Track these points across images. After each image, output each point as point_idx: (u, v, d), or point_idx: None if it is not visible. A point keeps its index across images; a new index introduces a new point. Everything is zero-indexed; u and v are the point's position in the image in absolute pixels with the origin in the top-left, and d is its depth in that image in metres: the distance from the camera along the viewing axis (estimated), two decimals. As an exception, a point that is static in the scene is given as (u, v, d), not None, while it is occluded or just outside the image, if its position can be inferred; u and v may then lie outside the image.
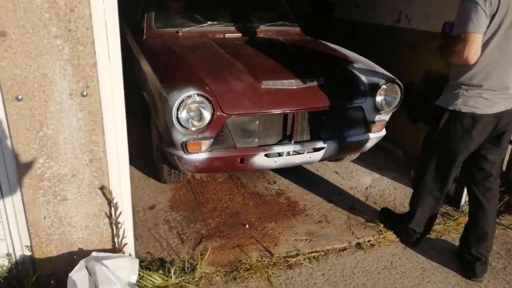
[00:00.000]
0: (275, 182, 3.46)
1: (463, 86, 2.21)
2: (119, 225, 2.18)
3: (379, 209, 3.09)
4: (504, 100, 2.21)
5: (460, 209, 3.14)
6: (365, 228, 2.91)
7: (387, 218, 2.95)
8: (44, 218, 2.08)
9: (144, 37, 3.61)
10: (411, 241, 2.71)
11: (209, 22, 3.67)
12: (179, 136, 2.67)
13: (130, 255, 2.28)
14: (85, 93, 1.92)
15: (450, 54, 2.16)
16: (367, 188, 3.45)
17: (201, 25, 3.66)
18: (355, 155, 3.74)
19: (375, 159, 3.95)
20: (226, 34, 3.68)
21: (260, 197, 3.24)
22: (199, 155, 2.73)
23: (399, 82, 3.10)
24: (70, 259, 2.17)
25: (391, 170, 3.76)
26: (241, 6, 4.07)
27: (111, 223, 2.19)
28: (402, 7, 3.92)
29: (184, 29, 3.60)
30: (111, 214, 2.16)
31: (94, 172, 2.07)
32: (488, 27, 2.06)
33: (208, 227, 2.83)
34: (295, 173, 3.60)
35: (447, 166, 2.42)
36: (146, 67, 3.12)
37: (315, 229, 2.88)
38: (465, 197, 3.13)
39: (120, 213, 2.16)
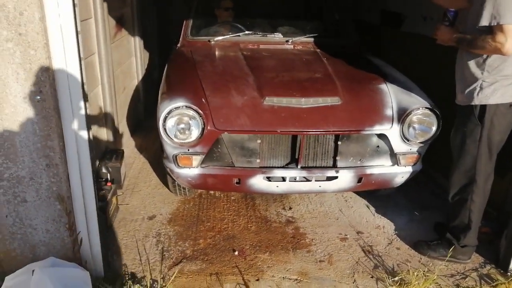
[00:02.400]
0: (290, 208, 3.14)
1: (498, 78, 2.19)
2: (75, 234, 2.12)
3: (401, 257, 2.59)
4: None
5: (509, 273, 2.47)
6: (372, 277, 2.45)
7: (427, 248, 2.65)
8: (6, 216, 2.10)
9: (178, 45, 3.58)
10: (469, 258, 2.56)
11: (241, 33, 3.49)
12: (169, 148, 2.55)
13: (85, 263, 2.19)
14: (38, 98, 1.89)
15: (485, 45, 2.10)
16: (396, 229, 2.93)
17: (234, 35, 3.50)
18: (393, 189, 3.22)
19: (422, 196, 3.37)
20: (261, 45, 3.47)
21: (267, 222, 2.95)
22: (191, 170, 2.57)
23: (435, 108, 2.57)
24: (34, 261, 2.17)
25: (437, 212, 3.14)
26: (282, 16, 3.83)
27: (70, 230, 2.13)
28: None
29: (216, 38, 3.48)
30: (69, 222, 2.11)
31: (52, 177, 2.03)
32: None
33: (196, 248, 2.65)
34: (317, 201, 3.23)
35: (493, 160, 2.38)
36: (164, 75, 3.07)
37: (311, 269, 2.51)
38: (516, 259, 2.47)
39: (74, 221, 2.09)
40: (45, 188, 2.05)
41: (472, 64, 2.25)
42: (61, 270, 2.01)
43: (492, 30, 2.06)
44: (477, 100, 2.26)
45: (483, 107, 2.25)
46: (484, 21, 2.06)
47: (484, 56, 2.18)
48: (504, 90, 2.21)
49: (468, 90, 2.29)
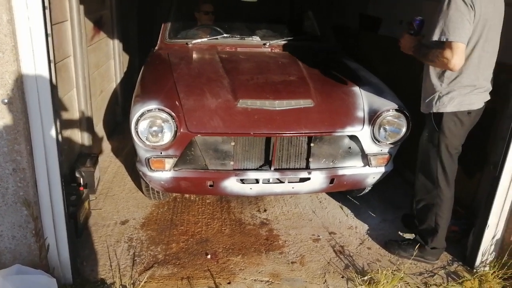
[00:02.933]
0: (265, 210, 3.16)
1: (456, 88, 2.30)
2: (42, 240, 2.09)
3: (372, 257, 2.63)
4: (485, 95, 2.38)
5: (475, 270, 2.54)
6: (342, 277, 2.48)
7: (398, 247, 2.70)
8: (-28, 221, 2.07)
9: (156, 48, 3.57)
10: (437, 259, 2.61)
11: (219, 36, 3.51)
12: (142, 151, 2.55)
13: (53, 270, 2.17)
14: (5, 101, 1.87)
15: (434, 59, 2.23)
16: (368, 230, 2.98)
17: (212, 38, 3.51)
18: (366, 189, 3.27)
19: (395, 196, 3.43)
20: (238, 48, 3.49)
21: (241, 225, 2.97)
22: (164, 173, 2.57)
23: (405, 110, 2.63)
24: (1, 268, 2.13)
25: (408, 211, 3.20)
26: (260, 19, 3.85)
27: (36, 236, 2.11)
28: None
29: (193, 41, 3.49)
30: (35, 227, 2.08)
31: (18, 182, 2.01)
32: (473, 34, 2.16)
33: (168, 252, 2.64)
34: (292, 203, 3.26)
35: (454, 163, 2.47)
36: (139, 78, 3.06)
37: (283, 271, 2.53)
38: (481, 256, 2.53)
39: (41, 227, 2.07)
40: (11, 193, 2.03)
41: (433, 75, 2.34)
42: (26, 277, 1.99)
43: (441, 46, 2.14)
44: (435, 108, 2.35)
45: (441, 115, 2.34)
46: (435, 36, 2.15)
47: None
48: (461, 99, 2.30)
49: (428, 99, 2.39)
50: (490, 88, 2.38)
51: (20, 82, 1.88)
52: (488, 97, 2.39)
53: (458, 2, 2.08)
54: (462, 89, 2.29)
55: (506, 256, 2.44)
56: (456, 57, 2.10)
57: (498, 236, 2.51)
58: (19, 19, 1.82)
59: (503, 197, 2.42)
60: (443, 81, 2.31)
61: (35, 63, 1.89)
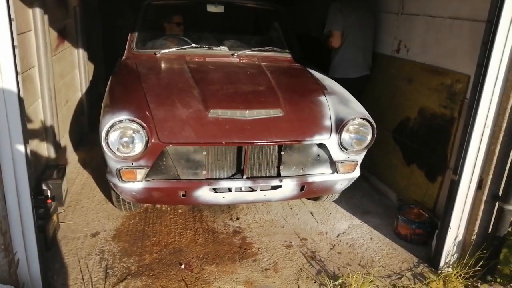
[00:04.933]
0: (238, 219, 3.19)
1: (337, 61, 3.89)
2: (11, 255, 2.03)
3: (342, 261, 2.71)
4: (360, 68, 3.87)
5: (439, 271, 2.66)
6: (315, 282, 2.54)
7: None
8: None
9: (123, 58, 3.54)
10: None
11: (187, 46, 3.53)
12: (112, 162, 2.52)
13: (23, 285, 2.11)
14: (-29, 114, 1.82)
15: (327, 43, 3.89)
16: (338, 235, 3.06)
17: (180, 48, 3.53)
18: (335, 195, 3.37)
19: (362, 202, 3.55)
20: (207, 58, 3.52)
21: (214, 234, 2.98)
22: (135, 184, 2.55)
23: (370, 119, 2.74)
24: (-34, 285, 2.06)
25: (376, 216, 3.33)
26: (228, 30, 3.91)
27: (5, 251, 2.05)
28: (401, 36, 3.54)
29: (161, 51, 3.49)
30: (4, 242, 2.02)
31: (-15, 196, 1.95)
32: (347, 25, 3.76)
33: (141, 263, 2.62)
34: (264, 211, 3.31)
35: None
36: (107, 88, 3.03)
37: (257, 278, 2.56)
38: (445, 257, 2.66)
39: (10, 242, 2.01)
40: (-22, 208, 1.96)
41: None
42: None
43: None
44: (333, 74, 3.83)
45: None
46: (326, 29, 3.85)
47: None
48: (342, 68, 3.87)
49: None
50: None
51: (-14, 95, 1.83)
52: None
53: None
54: (342, 62, 3.93)
55: (467, 256, 2.57)
56: (334, 40, 3.80)
57: (460, 237, 2.65)
58: (-16, 30, 1.78)
59: (463, 201, 2.56)
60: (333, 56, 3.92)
61: (1, 75, 1.86)
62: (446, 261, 2.67)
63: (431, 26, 3.15)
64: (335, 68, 3.89)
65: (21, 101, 1.95)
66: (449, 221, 2.59)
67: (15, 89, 1.90)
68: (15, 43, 1.89)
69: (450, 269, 2.64)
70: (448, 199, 2.60)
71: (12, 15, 1.86)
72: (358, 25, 3.77)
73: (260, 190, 2.72)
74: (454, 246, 2.66)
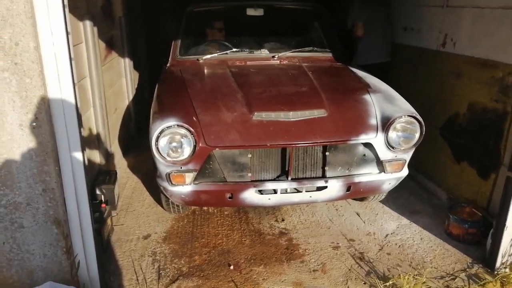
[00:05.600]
0: (283, 220, 3.20)
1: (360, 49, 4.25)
2: (72, 257, 2.15)
3: (392, 262, 2.66)
4: (381, 55, 4.26)
5: (496, 272, 2.55)
6: (365, 283, 2.52)
7: None
8: (4, 243, 2.13)
9: (168, 65, 3.66)
10: None
11: (229, 51, 3.59)
12: (162, 167, 2.61)
13: (83, 286, 2.23)
14: (34, 124, 1.95)
15: (352, 34, 4.22)
16: (387, 235, 3.01)
17: (222, 53, 3.60)
18: (381, 195, 3.31)
19: (410, 201, 3.46)
20: (248, 62, 3.57)
21: (260, 235, 3.01)
22: (184, 187, 2.63)
23: (417, 116, 2.67)
24: (32, 286, 2.20)
25: (425, 216, 3.24)
26: (268, 32, 3.94)
27: (67, 254, 2.17)
28: (447, 29, 3.43)
29: (204, 57, 3.57)
30: (66, 245, 2.15)
31: (48, 202, 2.08)
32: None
33: (192, 264, 2.69)
34: (309, 212, 3.30)
35: None
36: (155, 95, 3.13)
37: (305, 279, 2.56)
38: (501, 257, 2.55)
39: (71, 245, 2.13)
40: (42, 213, 2.10)
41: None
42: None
43: None
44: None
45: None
46: (349, 23, 4.20)
47: None
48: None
49: None
50: None
51: (47, 105, 1.95)
52: None
53: None
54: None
55: (526, 256, 2.46)
56: (358, 30, 4.17)
57: (517, 236, 2.53)
58: (45, 45, 1.90)
59: (519, 198, 2.44)
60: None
61: (60, 86, 1.97)
62: (503, 261, 2.56)
63: (479, 18, 3.03)
64: (359, 56, 4.25)
65: (78, 110, 2.06)
66: (505, 219, 2.47)
67: (72, 99, 2.02)
68: (72, 56, 2.01)
69: (507, 270, 2.53)
70: (504, 197, 2.49)
71: (69, 29, 1.97)
72: (377, 17, 4.22)
73: (306, 191, 2.72)
74: (511, 246, 2.55)
